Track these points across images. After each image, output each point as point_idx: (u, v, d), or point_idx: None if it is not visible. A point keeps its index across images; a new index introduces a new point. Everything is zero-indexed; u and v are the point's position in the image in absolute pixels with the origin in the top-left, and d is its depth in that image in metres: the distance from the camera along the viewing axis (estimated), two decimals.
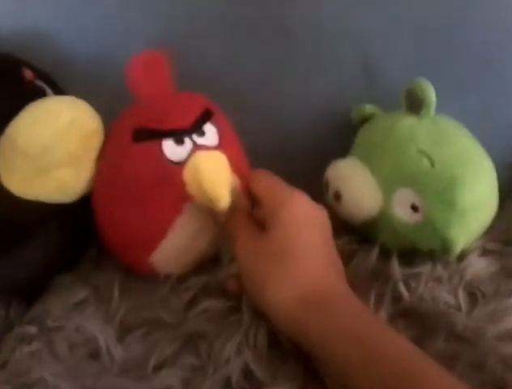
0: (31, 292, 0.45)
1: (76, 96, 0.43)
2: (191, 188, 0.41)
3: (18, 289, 0.45)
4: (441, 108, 0.45)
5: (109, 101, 0.45)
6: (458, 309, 0.40)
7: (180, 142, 0.42)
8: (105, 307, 0.43)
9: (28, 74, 0.45)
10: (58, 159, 0.40)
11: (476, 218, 0.43)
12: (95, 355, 0.39)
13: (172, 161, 0.41)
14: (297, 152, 0.55)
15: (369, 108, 0.51)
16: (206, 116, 0.44)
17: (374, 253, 0.44)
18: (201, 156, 0.41)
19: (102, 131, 0.44)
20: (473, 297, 0.41)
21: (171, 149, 0.41)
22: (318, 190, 0.47)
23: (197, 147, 0.42)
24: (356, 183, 0.44)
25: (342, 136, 0.51)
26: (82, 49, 0.53)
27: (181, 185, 0.41)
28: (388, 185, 0.43)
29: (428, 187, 0.42)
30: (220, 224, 0.43)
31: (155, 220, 0.42)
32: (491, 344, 0.36)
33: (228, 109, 0.46)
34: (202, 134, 0.43)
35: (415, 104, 0.45)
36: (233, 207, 0.41)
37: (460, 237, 0.42)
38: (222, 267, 0.44)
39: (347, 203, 0.44)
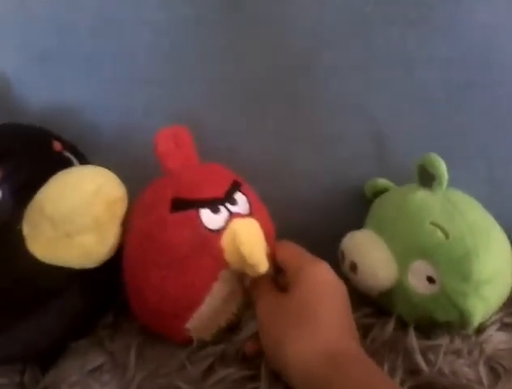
0: (47, 358, 0.45)
1: (101, 166, 0.45)
2: (229, 254, 0.42)
3: (37, 354, 0.45)
4: (451, 177, 0.46)
5: (133, 171, 0.48)
6: (480, 383, 0.39)
7: (216, 211, 0.43)
8: (121, 373, 0.43)
9: (57, 145, 0.47)
10: (83, 225, 0.42)
11: (493, 290, 0.43)
12: None
13: (209, 229, 0.43)
14: (311, 226, 0.56)
15: (381, 182, 0.53)
16: (236, 186, 0.46)
17: (391, 324, 0.44)
18: (238, 222, 0.43)
19: (126, 199, 0.45)
20: (494, 371, 0.41)
21: (208, 217, 0.43)
22: (332, 263, 0.47)
23: (232, 215, 0.44)
24: (372, 254, 0.45)
25: (355, 210, 0.53)
26: (107, 123, 0.56)
27: (219, 251, 0.42)
28: (403, 257, 0.44)
29: (444, 259, 0.42)
30: (246, 288, 0.44)
31: (194, 286, 0.42)
32: None
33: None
34: (234, 202, 0.45)
35: (427, 179, 0.46)
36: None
37: (477, 309, 0.42)
38: (240, 335, 0.44)
39: (364, 273, 0.45)
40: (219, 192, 0.45)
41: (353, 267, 0.45)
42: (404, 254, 0.44)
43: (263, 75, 0.52)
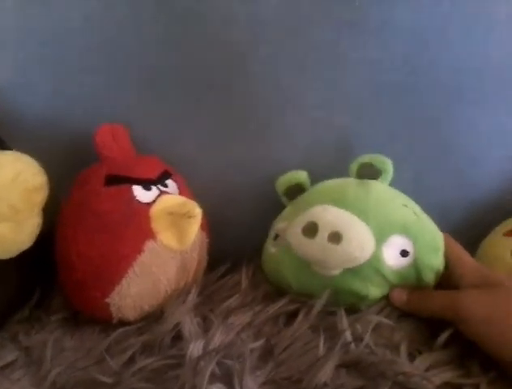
0: None
1: (23, 152, 0.43)
2: (157, 220, 0.44)
3: None
4: None
5: (59, 158, 0.47)
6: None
7: (148, 189, 0.46)
8: (36, 369, 0.40)
9: None
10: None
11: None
12: None
13: (140, 202, 0.45)
14: (246, 218, 0.55)
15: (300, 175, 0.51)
16: (167, 174, 0.49)
17: (317, 307, 0.43)
18: (169, 195, 0.46)
19: (46, 187, 0.44)
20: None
21: (140, 192, 0.45)
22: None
23: (163, 193, 0.46)
24: (357, 224, 0.44)
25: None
26: (31, 107, 0.53)
27: (146, 220, 0.44)
28: (379, 232, 0.44)
29: (419, 234, 0.44)
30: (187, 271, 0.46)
31: (117, 255, 0.43)
32: None
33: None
34: (165, 186, 0.47)
35: (369, 177, 0.48)
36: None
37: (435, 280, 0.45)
38: (164, 326, 0.42)
39: (349, 243, 0.43)
40: (152, 174, 0.47)
41: (335, 237, 0.43)
42: (380, 229, 0.44)
43: (198, 68, 0.51)
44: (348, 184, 0.48)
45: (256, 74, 0.51)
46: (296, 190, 0.50)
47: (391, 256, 0.44)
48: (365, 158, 0.48)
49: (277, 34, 0.50)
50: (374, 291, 0.44)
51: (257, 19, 0.49)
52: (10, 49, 0.51)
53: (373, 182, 0.47)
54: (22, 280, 0.45)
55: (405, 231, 0.44)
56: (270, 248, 0.48)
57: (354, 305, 0.45)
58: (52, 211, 0.45)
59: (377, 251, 0.43)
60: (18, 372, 0.40)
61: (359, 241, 0.43)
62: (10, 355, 0.42)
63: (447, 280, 0.44)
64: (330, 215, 0.44)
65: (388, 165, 0.48)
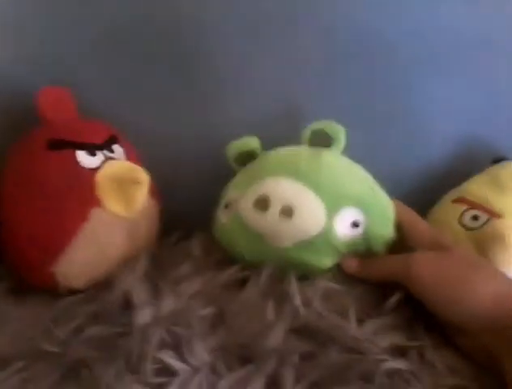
0: None
1: None
2: (103, 189, 0.43)
3: None
4: None
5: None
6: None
7: (93, 154, 0.44)
8: None
9: None
10: None
11: None
12: None
13: (84, 167, 0.43)
14: (197, 188, 0.55)
15: (251, 142, 0.50)
16: (114, 138, 0.47)
17: (266, 273, 0.43)
18: (115, 161, 0.45)
19: None
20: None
21: (84, 158, 0.44)
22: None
23: (108, 158, 0.45)
24: (308, 197, 0.43)
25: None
26: None
27: (91, 187, 0.43)
28: (332, 203, 0.43)
29: (372, 206, 0.44)
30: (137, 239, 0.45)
31: (62, 224, 0.42)
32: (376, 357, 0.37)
33: None
34: (111, 151, 0.46)
35: (322, 144, 0.47)
36: None
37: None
38: (113, 294, 0.41)
39: (302, 216, 0.43)
40: (98, 139, 0.46)
41: (287, 211, 0.43)
42: (332, 201, 0.43)
43: (148, 30, 0.50)
44: (301, 154, 0.47)
45: (206, 38, 0.50)
46: (248, 157, 0.49)
47: (342, 227, 0.44)
48: (318, 125, 0.48)
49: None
50: (326, 261, 0.44)
51: None
52: None
53: (325, 152, 0.47)
54: None
55: (356, 202, 0.44)
56: (222, 218, 0.48)
57: (306, 275, 0.44)
58: None
59: (328, 223, 0.43)
60: None
61: (310, 214, 0.43)
62: None
63: (399, 248, 0.45)
64: (282, 189, 0.44)
65: (341, 133, 0.47)
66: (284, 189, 0.44)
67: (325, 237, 0.43)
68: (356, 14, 0.50)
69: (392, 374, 0.37)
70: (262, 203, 0.44)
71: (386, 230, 0.45)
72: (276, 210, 0.43)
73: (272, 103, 0.53)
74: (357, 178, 0.46)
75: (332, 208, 0.43)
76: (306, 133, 0.48)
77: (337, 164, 0.46)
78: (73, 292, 0.43)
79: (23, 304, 0.42)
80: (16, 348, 0.38)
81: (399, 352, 0.39)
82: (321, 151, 0.47)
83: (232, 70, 0.52)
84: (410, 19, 0.50)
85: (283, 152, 0.48)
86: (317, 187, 0.44)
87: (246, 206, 0.44)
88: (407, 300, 0.42)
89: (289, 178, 0.44)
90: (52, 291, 0.43)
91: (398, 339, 0.40)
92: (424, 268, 0.41)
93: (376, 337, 0.39)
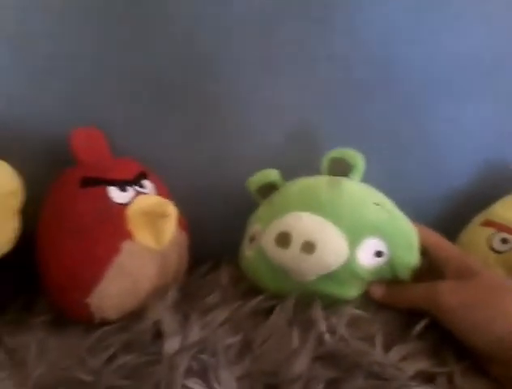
0: None
1: None
2: (134, 223, 0.44)
3: None
4: None
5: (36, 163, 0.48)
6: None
7: (124, 190, 0.46)
8: (19, 370, 0.40)
9: None
10: None
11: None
12: None
13: (116, 202, 0.45)
14: (221, 217, 0.56)
15: (272, 174, 0.51)
16: (144, 174, 0.49)
17: (291, 301, 0.44)
18: (144, 195, 0.47)
19: (21, 191, 0.45)
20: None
21: (116, 194, 0.46)
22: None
23: (139, 194, 0.47)
24: (329, 231, 0.44)
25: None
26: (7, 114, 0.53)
27: (122, 220, 0.44)
28: (352, 235, 0.44)
29: (392, 233, 0.44)
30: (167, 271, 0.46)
31: (95, 257, 0.43)
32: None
33: None
34: (142, 187, 0.48)
35: (340, 171, 0.48)
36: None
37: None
38: (145, 324, 0.43)
39: (324, 251, 0.43)
40: (128, 175, 0.48)
41: (309, 246, 0.43)
42: (354, 233, 0.44)
43: (170, 69, 0.52)
44: (321, 185, 0.47)
45: (226, 74, 0.52)
46: (269, 188, 0.50)
47: (366, 258, 0.44)
48: (336, 153, 0.49)
49: (245, 34, 0.51)
50: (351, 291, 0.45)
51: (224, 20, 0.50)
52: None
53: (345, 182, 0.47)
54: (1, 284, 0.45)
55: (378, 232, 0.44)
56: (247, 251, 0.48)
57: (332, 305, 0.44)
58: (34, 215, 0.46)
59: (351, 255, 0.43)
60: (1, 373, 0.41)
61: (332, 248, 0.43)
62: None
63: (427, 272, 0.45)
64: (303, 224, 0.44)
65: (359, 160, 0.48)
66: (305, 224, 0.44)
67: (348, 269, 0.43)
68: (370, 40, 0.50)
69: None
70: (284, 239, 0.44)
71: (410, 257, 0.45)
72: (297, 246, 0.43)
73: (293, 133, 0.54)
74: (377, 207, 0.46)
75: (354, 240, 0.44)
76: (325, 161, 0.49)
77: (357, 194, 0.46)
78: (106, 322, 0.45)
79: (61, 335, 0.44)
80: (54, 378, 0.40)
81: (427, 378, 0.39)
82: (340, 180, 0.47)
83: (253, 103, 0.53)
84: (425, 44, 0.50)
85: (303, 184, 0.49)
86: (338, 219, 0.44)
87: (268, 242, 0.45)
88: (434, 325, 0.42)
89: (310, 212, 0.45)
90: (87, 322, 0.45)
91: (425, 365, 0.40)
92: (452, 297, 0.40)
93: (402, 363, 0.39)
